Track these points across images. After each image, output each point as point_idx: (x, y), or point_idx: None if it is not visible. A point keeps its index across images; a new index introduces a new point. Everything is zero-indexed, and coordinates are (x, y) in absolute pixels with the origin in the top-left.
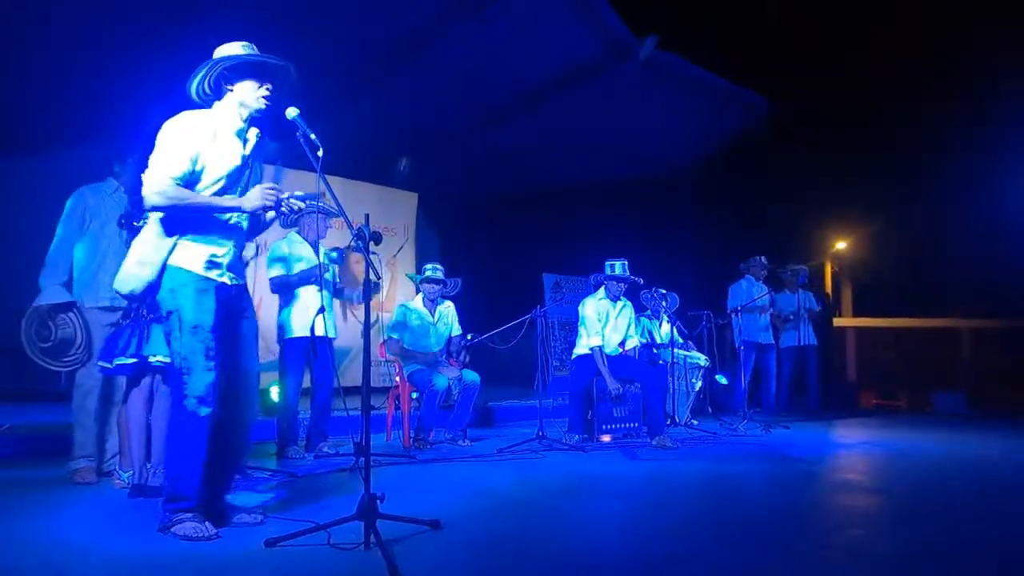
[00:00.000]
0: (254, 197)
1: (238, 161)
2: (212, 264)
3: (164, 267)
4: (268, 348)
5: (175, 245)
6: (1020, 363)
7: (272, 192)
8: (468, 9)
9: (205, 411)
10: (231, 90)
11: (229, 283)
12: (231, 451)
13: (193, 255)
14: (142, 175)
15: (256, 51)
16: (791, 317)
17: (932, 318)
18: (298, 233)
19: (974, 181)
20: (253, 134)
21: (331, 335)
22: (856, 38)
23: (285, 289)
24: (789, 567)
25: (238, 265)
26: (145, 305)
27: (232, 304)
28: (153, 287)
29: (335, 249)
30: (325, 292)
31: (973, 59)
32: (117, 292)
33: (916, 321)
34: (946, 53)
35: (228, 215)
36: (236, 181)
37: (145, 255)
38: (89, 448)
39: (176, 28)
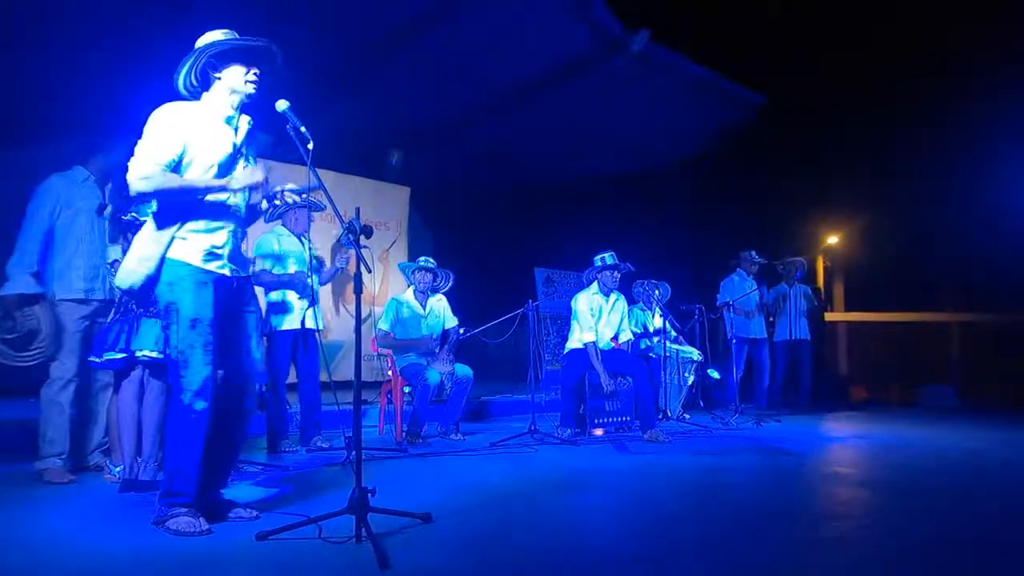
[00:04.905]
0: (241, 177)
1: (229, 149)
2: (211, 256)
3: (163, 261)
4: None
5: (172, 238)
6: (1009, 357)
7: (260, 171)
8: (460, 2)
9: (202, 406)
10: (219, 77)
11: (229, 275)
12: (228, 446)
13: (191, 247)
14: (128, 162)
15: (238, 36)
16: (781, 304)
17: (922, 312)
18: (284, 226)
19: (966, 178)
20: (244, 122)
21: (317, 327)
22: (852, 35)
23: (272, 287)
24: (779, 559)
25: (239, 257)
26: (135, 299)
27: (232, 297)
28: (152, 281)
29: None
30: (314, 278)
31: (970, 59)
32: (118, 288)
33: (907, 315)
34: (944, 52)
35: (223, 210)
36: (228, 169)
37: (144, 250)
38: (60, 446)
39: (164, 25)
